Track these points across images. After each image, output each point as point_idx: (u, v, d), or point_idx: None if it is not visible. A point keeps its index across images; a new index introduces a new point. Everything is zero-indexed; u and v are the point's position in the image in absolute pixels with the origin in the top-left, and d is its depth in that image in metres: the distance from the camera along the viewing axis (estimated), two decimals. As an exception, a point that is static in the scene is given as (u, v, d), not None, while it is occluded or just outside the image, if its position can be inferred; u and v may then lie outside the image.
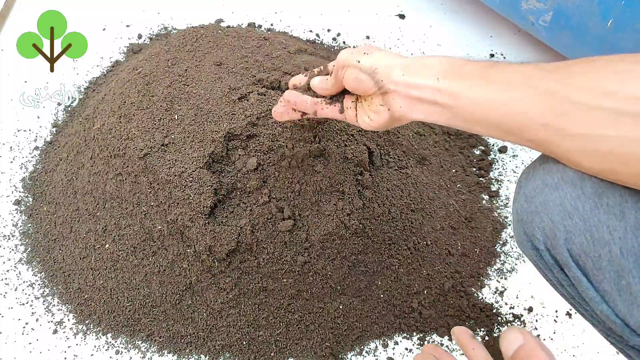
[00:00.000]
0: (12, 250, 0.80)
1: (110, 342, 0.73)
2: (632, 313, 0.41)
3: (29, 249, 0.80)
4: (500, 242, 0.86)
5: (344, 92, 0.56)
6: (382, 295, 0.75)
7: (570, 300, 0.49)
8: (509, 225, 0.88)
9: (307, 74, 0.61)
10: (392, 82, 0.48)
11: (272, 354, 0.72)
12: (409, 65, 0.48)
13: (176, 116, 0.72)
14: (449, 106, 0.46)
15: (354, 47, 0.59)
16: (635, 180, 0.39)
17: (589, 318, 0.48)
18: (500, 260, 0.84)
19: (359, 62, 0.51)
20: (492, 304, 0.79)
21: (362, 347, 0.74)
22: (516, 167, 0.95)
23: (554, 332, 0.77)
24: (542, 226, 0.45)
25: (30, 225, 0.82)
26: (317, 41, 1.11)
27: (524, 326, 0.78)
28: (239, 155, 0.71)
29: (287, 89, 0.69)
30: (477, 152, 0.96)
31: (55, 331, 0.73)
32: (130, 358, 0.72)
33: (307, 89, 0.59)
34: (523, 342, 0.44)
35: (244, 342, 0.72)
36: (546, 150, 0.43)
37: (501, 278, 0.82)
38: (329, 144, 0.71)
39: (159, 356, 0.72)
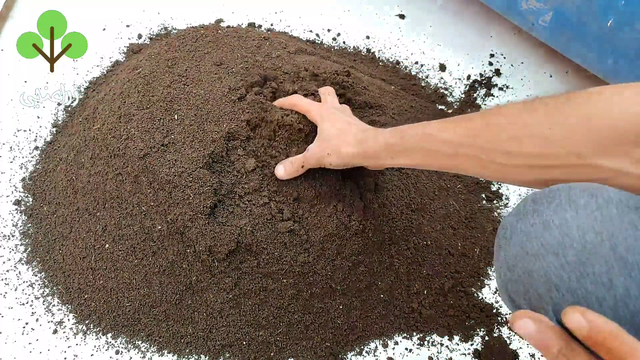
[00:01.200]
0: (12, 250, 0.80)
1: (110, 342, 0.73)
2: None
3: (29, 249, 0.80)
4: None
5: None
6: (382, 296, 0.75)
7: None
8: (509, 225, 0.88)
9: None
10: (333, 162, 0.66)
11: (272, 354, 0.72)
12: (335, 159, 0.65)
13: (176, 116, 0.72)
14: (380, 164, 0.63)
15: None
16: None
17: None
18: (500, 260, 0.84)
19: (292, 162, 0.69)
20: (492, 304, 0.79)
21: (362, 347, 0.74)
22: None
23: (554, 332, 0.77)
24: (527, 297, 0.43)
25: (30, 225, 0.82)
26: (317, 41, 1.11)
27: (524, 326, 0.77)
28: (239, 155, 0.71)
29: (288, 89, 0.70)
30: (477, 152, 0.96)
31: (55, 331, 0.73)
32: (130, 358, 0.72)
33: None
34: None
35: (244, 342, 0.72)
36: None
37: (501, 278, 0.82)
38: None
39: (159, 356, 0.72)
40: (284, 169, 0.70)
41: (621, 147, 0.43)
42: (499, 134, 0.49)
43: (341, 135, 0.64)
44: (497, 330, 0.77)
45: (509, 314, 0.78)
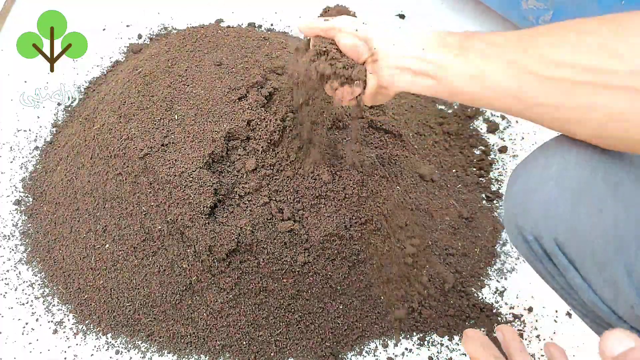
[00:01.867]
0: (12, 250, 0.80)
1: (110, 342, 0.73)
2: (617, 301, 0.44)
3: (29, 249, 0.80)
4: (500, 242, 0.86)
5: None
6: (382, 298, 0.75)
7: (560, 292, 0.51)
8: (509, 225, 0.88)
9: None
10: (382, 50, 0.52)
11: (272, 354, 0.72)
12: (399, 36, 0.52)
13: (176, 116, 0.72)
14: (432, 76, 0.48)
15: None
16: (596, 141, 0.43)
17: (579, 309, 0.51)
18: (500, 260, 0.84)
19: (356, 30, 0.54)
20: (492, 304, 0.79)
21: (362, 347, 0.74)
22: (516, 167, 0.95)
23: (554, 332, 0.77)
24: (529, 218, 0.47)
25: (30, 225, 0.82)
26: (317, 41, 1.11)
27: (524, 326, 0.78)
28: (239, 155, 0.71)
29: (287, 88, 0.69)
30: (477, 152, 0.96)
31: (55, 331, 0.73)
32: (130, 358, 0.72)
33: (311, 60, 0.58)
34: (635, 345, 0.39)
35: (244, 342, 0.72)
36: (526, 119, 0.46)
37: (501, 278, 0.82)
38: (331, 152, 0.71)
39: (159, 356, 0.72)
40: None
41: None
42: (556, 46, 0.41)
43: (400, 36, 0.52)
44: (497, 331, 0.77)
45: (509, 314, 0.78)
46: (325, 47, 0.57)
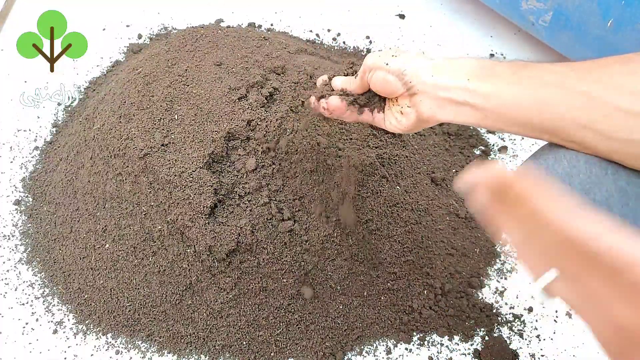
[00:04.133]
0: (12, 250, 0.80)
1: (110, 342, 0.73)
2: None
3: (29, 249, 0.80)
4: (500, 242, 0.86)
5: (371, 96, 0.55)
6: (382, 298, 0.75)
7: None
8: (509, 225, 0.88)
9: (329, 75, 0.60)
10: (420, 83, 0.48)
11: (272, 354, 0.72)
12: (437, 66, 0.48)
13: (176, 116, 0.72)
14: (480, 107, 0.45)
15: (379, 50, 0.60)
16: None
17: None
18: (500, 260, 0.84)
19: (387, 64, 0.50)
20: (492, 304, 0.79)
21: (362, 347, 0.74)
22: (516, 167, 0.95)
23: (554, 332, 0.77)
24: None
25: (30, 225, 0.82)
26: (317, 41, 1.11)
27: (524, 326, 0.78)
28: (239, 155, 0.71)
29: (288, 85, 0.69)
30: (477, 152, 0.96)
31: (55, 331, 0.73)
32: (130, 358, 0.72)
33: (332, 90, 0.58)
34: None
35: (244, 342, 0.72)
36: (586, 150, 0.43)
37: (501, 278, 0.82)
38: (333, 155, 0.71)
39: (159, 356, 0.72)
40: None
41: None
42: (626, 72, 0.40)
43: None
44: (497, 330, 0.77)
45: (509, 314, 0.78)
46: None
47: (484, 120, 0.46)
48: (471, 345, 0.75)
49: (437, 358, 0.74)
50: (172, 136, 0.71)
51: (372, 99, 0.55)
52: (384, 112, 0.55)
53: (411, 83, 0.49)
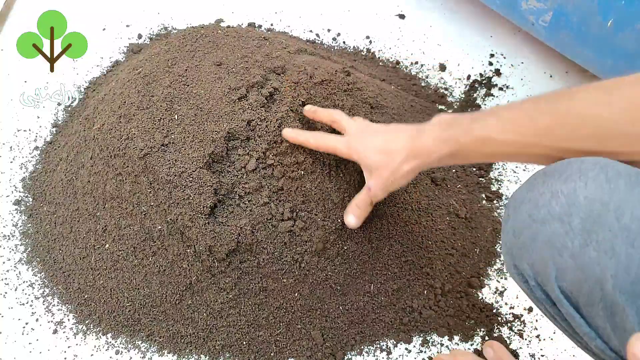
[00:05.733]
0: (12, 250, 0.80)
1: (110, 342, 0.73)
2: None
3: (29, 249, 0.80)
4: (500, 242, 0.86)
5: None
6: (382, 298, 0.75)
7: (565, 333, 0.48)
8: (509, 225, 0.88)
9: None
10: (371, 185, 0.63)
11: (272, 354, 0.72)
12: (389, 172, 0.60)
13: (176, 116, 0.72)
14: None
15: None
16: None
17: (585, 350, 0.47)
18: (500, 260, 0.84)
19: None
20: (492, 304, 0.79)
21: (362, 347, 0.74)
22: (516, 167, 0.95)
23: (554, 332, 0.77)
24: (531, 262, 0.44)
25: (30, 225, 0.82)
26: (317, 41, 1.11)
27: (524, 326, 0.78)
28: (239, 155, 0.71)
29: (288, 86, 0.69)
30: (477, 152, 0.96)
31: (55, 331, 0.73)
32: (130, 358, 0.72)
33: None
34: None
35: (244, 342, 0.72)
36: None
37: (501, 278, 0.82)
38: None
39: (159, 356, 0.72)
40: (355, 217, 0.65)
41: None
42: (574, 133, 0.44)
43: (392, 155, 0.58)
44: (497, 330, 0.77)
45: (509, 314, 0.78)
46: None
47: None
48: (471, 345, 0.75)
49: (437, 358, 0.74)
50: (172, 136, 0.71)
51: None
52: None
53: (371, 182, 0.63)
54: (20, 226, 0.83)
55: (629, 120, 0.42)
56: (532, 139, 0.47)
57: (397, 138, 0.58)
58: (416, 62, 1.10)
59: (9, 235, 0.81)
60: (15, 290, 0.76)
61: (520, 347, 0.76)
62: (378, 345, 0.75)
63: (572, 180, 0.42)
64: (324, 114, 0.69)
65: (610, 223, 0.40)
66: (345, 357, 0.73)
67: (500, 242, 0.50)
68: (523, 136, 0.47)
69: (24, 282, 0.77)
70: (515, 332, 0.77)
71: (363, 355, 0.74)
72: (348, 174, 0.73)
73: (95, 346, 0.72)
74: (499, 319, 0.78)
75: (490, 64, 1.11)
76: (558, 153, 0.46)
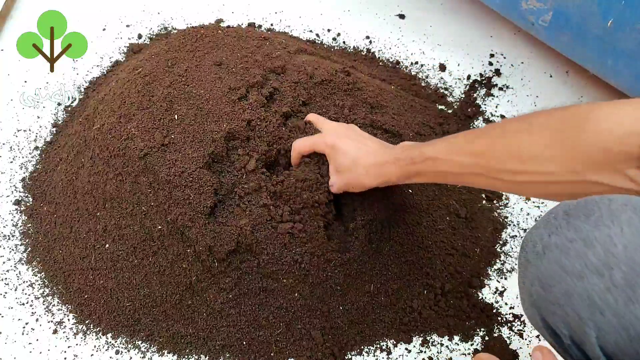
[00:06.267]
0: (12, 250, 0.80)
1: (110, 342, 0.73)
2: None
3: (29, 249, 0.80)
4: (500, 242, 0.86)
5: None
6: (382, 298, 0.75)
7: None
8: (509, 225, 0.88)
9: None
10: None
11: (272, 354, 0.72)
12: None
13: (176, 116, 0.72)
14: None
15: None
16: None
17: None
18: (500, 260, 0.84)
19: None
20: (492, 304, 0.79)
21: (362, 347, 0.74)
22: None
23: (554, 332, 0.77)
24: (567, 320, 0.40)
25: (30, 225, 0.83)
26: (317, 41, 1.11)
27: (524, 326, 0.78)
28: (239, 155, 0.71)
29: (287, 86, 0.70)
30: (477, 152, 0.96)
31: (55, 331, 0.73)
32: (130, 358, 0.72)
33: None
34: None
35: (244, 342, 0.72)
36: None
37: (501, 278, 0.82)
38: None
39: (159, 356, 0.72)
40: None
41: (612, 165, 0.45)
42: (502, 155, 0.52)
43: (357, 167, 0.66)
44: (497, 330, 0.77)
45: (509, 314, 0.78)
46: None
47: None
48: (471, 345, 0.75)
49: (437, 358, 0.74)
50: (172, 136, 0.71)
51: None
52: None
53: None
54: (20, 226, 0.83)
55: (542, 144, 0.49)
56: (470, 159, 0.55)
57: (366, 153, 0.66)
58: (416, 62, 1.10)
59: (9, 235, 0.81)
60: (15, 290, 0.76)
61: (520, 347, 0.76)
62: (378, 345, 0.75)
63: (604, 225, 0.39)
64: (300, 122, 0.76)
65: None
66: (346, 357, 0.73)
67: (519, 286, 0.47)
68: (463, 157, 0.56)
69: (24, 282, 0.77)
70: (515, 332, 0.77)
71: (363, 355, 0.74)
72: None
73: (95, 346, 0.72)
74: (499, 319, 0.78)
75: (490, 64, 1.11)
76: (490, 173, 0.54)
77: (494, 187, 0.59)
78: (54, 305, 0.76)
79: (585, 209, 0.40)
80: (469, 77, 1.08)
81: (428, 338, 0.75)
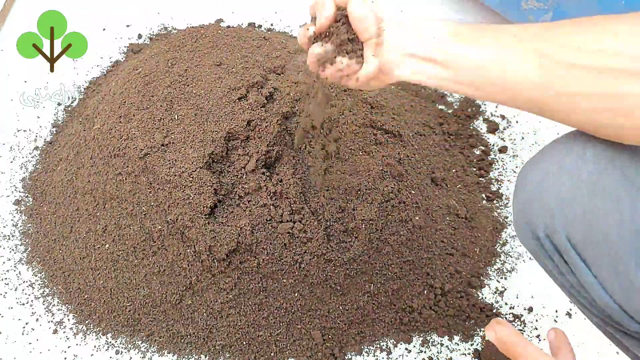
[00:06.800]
0: (12, 250, 0.80)
1: (110, 342, 0.73)
2: (629, 299, 0.42)
3: (29, 249, 0.80)
4: (500, 242, 0.86)
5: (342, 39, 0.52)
6: (382, 298, 0.75)
7: (569, 290, 0.50)
8: (509, 225, 0.88)
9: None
10: (391, 33, 0.49)
11: (272, 354, 0.72)
12: (410, 22, 0.49)
13: (176, 116, 0.72)
14: (442, 63, 0.46)
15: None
16: (634, 135, 0.41)
17: (588, 307, 0.49)
18: (500, 260, 0.84)
19: (372, 1, 0.50)
20: (492, 304, 0.79)
21: (362, 347, 0.74)
22: (516, 167, 0.95)
23: (554, 332, 0.77)
24: (541, 214, 0.46)
25: (30, 225, 0.82)
26: (317, 41, 1.11)
27: (524, 326, 0.78)
28: (239, 155, 0.71)
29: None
30: (477, 152, 0.96)
31: (55, 331, 0.73)
32: (130, 358, 0.72)
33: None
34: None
35: (244, 342, 0.72)
36: (547, 113, 0.44)
37: (501, 278, 0.82)
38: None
39: (159, 356, 0.72)
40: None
41: None
42: (574, 32, 0.42)
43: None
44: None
45: (509, 314, 0.78)
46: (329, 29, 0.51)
47: (444, 80, 0.47)
48: (471, 345, 0.75)
49: (437, 358, 0.74)
50: (172, 136, 0.71)
51: (343, 44, 0.51)
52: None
53: (383, 29, 0.49)
54: (20, 226, 0.83)
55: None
56: (534, 31, 0.45)
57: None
58: (416, 62, 1.10)
59: (9, 235, 0.81)
60: (15, 290, 0.76)
61: (520, 347, 0.75)
62: (378, 345, 0.75)
63: (580, 144, 0.45)
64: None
65: (615, 174, 0.42)
66: (346, 357, 0.73)
67: (511, 207, 0.51)
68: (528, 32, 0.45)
69: (24, 282, 0.77)
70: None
71: (363, 355, 0.74)
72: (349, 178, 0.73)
73: (95, 346, 0.72)
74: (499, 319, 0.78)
75: (490, 64, 1.11)
76: (554, 51, 0.42)
77: (539, 81, 0.43)
78: (54, 305, 0.76)
79: (569, 139, 0.46)
80: (469, 77, 1.07)
81: (428, 338, 0.75)
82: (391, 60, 0.49)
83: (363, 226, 0.72)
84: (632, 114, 0.39)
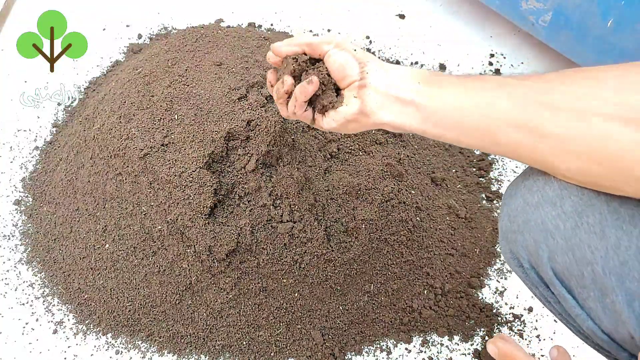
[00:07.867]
0: (12, 250, 0.80)
1: (110, 342, 0.73)
2: (617, 330, 0.41)
3: (29, 249, 0.80)
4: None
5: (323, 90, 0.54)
6: (382, 298, 0.75)
7: (558, 317, 0.49)
8: (509, 225, 0.88)
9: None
10: (375, 76, 0.50)
11: (272, 354, 0.72)
12: (394, 69, 0.50)
13: (176, 116, 0.72)
14: (424, 107, 0.46)
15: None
16: (611, 183, 0.40)
17: (578, 334, 0.49)
18: (500, 260, 0.84)
19: (355, 50, 0.51)
20: (492, 304, 0.79)
21: (362, 347, 0.74)
22: (516, 167, 0.95)
23: (554, 332, 0.77)
24: (525, 245, 0.45)
25: (30, 225, 0.82)
26: (317, 41, 1.11)
27: (524, 326, 0.78)
28: (239, 155, 0.71)
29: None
30: (477, 152, 0.96)
31: (55, 331, 0.73)
32: (130, 358, 0.72)
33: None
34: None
35: (244, 342, 0.72)
36: (522, 156, 0.43)
37: (501, 278, 0.82)
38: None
39: (159, 356, 0.72)
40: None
41: None
42: (568, 76, 0.42)
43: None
44: (497, 330, 0.77)
45: (509, 314, 0.78)
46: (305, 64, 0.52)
47: (424, 123, 0.47)
48: (471, 345, 0.75)
49: (437, 358, 0.74)
50: (172, 136, 0.71)
51: (325, 93, 0.53)
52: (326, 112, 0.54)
53: (367, 73, 0.50)
54: (20, 226, 0.83)
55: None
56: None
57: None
58: (416, 62, 1.10)
59: (9, 235, 0.81)
60: (15, 290, 0.76)
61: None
62: (378, 345, 0.75)
63: None
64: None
65: (600, 206, 0.41)
66: (346, 357, 0.73)
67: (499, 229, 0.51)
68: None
69: (24, 282, 0.77)
70: (515, 332, 0.77)
71: (363, 355, 0.74)
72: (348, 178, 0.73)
73: (95, 346, 0.72)
74: (499, 319, 0.78)
75: (490, 64, 1.11)
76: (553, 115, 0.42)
77: (545, 125, 0.42)
78: (54, 305, 0.76)
79: None
80: (469, 77, 1.07)
81: (428, 338, 0.75)
82: (375, 102, 0.49)
83: (363, 226, 0.72)
84: (614, 160, 0.39)
